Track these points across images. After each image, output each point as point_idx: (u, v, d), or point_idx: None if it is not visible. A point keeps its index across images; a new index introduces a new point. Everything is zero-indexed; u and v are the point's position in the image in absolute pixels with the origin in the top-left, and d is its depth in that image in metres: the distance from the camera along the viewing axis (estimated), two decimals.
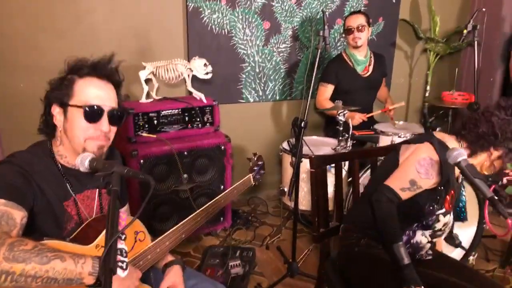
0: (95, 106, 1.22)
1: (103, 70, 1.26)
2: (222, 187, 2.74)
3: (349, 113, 2.74)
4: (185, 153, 2.55)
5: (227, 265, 2.39)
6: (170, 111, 2.59)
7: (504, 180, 1.22)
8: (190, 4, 2.90)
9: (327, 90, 3.09)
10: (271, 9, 3.18)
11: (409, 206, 1.43)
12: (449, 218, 1.45)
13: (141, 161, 2.41)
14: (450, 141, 1.45)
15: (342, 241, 1.63)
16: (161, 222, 2.58)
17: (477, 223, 2.45)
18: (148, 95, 2.73)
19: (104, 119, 1.24)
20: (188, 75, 2.69)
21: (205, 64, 2.66)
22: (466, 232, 2.43)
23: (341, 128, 2.48)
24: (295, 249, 2.37)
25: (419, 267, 1.54)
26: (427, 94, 3.71)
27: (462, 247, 2.35)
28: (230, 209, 2.85)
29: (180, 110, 2.62)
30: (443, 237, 1.53)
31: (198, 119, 2.68)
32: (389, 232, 1.37)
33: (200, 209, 1.54)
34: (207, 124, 2.73)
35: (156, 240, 1.39)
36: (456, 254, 2.42)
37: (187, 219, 1.51)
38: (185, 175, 2.55)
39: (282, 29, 3.27)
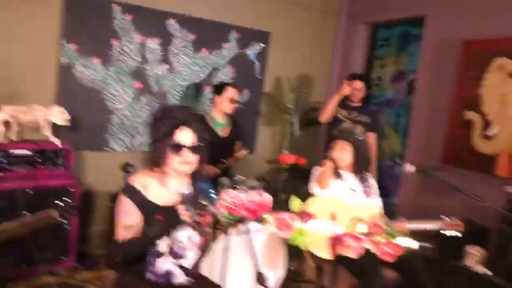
0: None
1: None
2: (66, 227, 2.90)
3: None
4: (31, 192, 2.73)
5: None
6: (21, 151, 2.80)
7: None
8: (62, 60, 3.23)
9: None
10: (143, 72, 3.60)
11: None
12: (176, 236, 1.74)
13: None
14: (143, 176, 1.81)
15: None
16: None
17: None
18: (5, 136, 2.91)
19: None
20: (47, 121, 2.93)
21: (63, 112, 2.95)
22: (275, 273, 2.79)
23: None
24: None
25: None
26: None
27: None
28: (75, 247, 2.99)
29: (31, 151, 2.84)
30: (188, 256, 1.80)
31: (50, 161, 2.90)
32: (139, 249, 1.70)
33: None
34: (60, 166, 2.95)
35: None
36: None
37: None
38: (25, 212, 2.70)
39: (153, 90, 3.68)
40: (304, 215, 1.54)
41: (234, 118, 3.64)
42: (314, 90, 4.58)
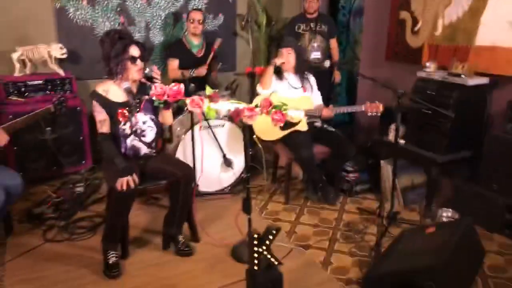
0: None
1: None
2: (81, 138, 3.78)
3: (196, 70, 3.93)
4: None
5: None
6: (36, 81, 3.60)
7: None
8: (56, 4, 3.90)
9: (174, 63, 4.12)
10: (125, 7, 4.21)
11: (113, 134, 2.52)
12: (135, 121, 2.52)
13: (10, 116, 3.40)
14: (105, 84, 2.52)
15: None
16: (33, 163, 3.60)
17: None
18: (22, 71, 3.70)
19: None
20: (50, 56, 3.69)
21: (60, 47, 3.68)
22: (237, 158, 3.58)
23: None
24: None
25: (147, 161, 2.64)
26: None
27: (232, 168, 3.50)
28: (90, 153, 3.88)
29: (43, 81, 3.64)
30: (147, 134, 2.61)
31: (59, 88, 3.70)
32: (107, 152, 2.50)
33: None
34: (67, 91, 3.75)
35: None
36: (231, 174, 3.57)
37: None
38: (48, 128, 3.56)
39: (136, 22, 4.31)
40: (214, 97, 2.20)
41: (207, 41, 4.25)
42: (286, 6, 5.04)
